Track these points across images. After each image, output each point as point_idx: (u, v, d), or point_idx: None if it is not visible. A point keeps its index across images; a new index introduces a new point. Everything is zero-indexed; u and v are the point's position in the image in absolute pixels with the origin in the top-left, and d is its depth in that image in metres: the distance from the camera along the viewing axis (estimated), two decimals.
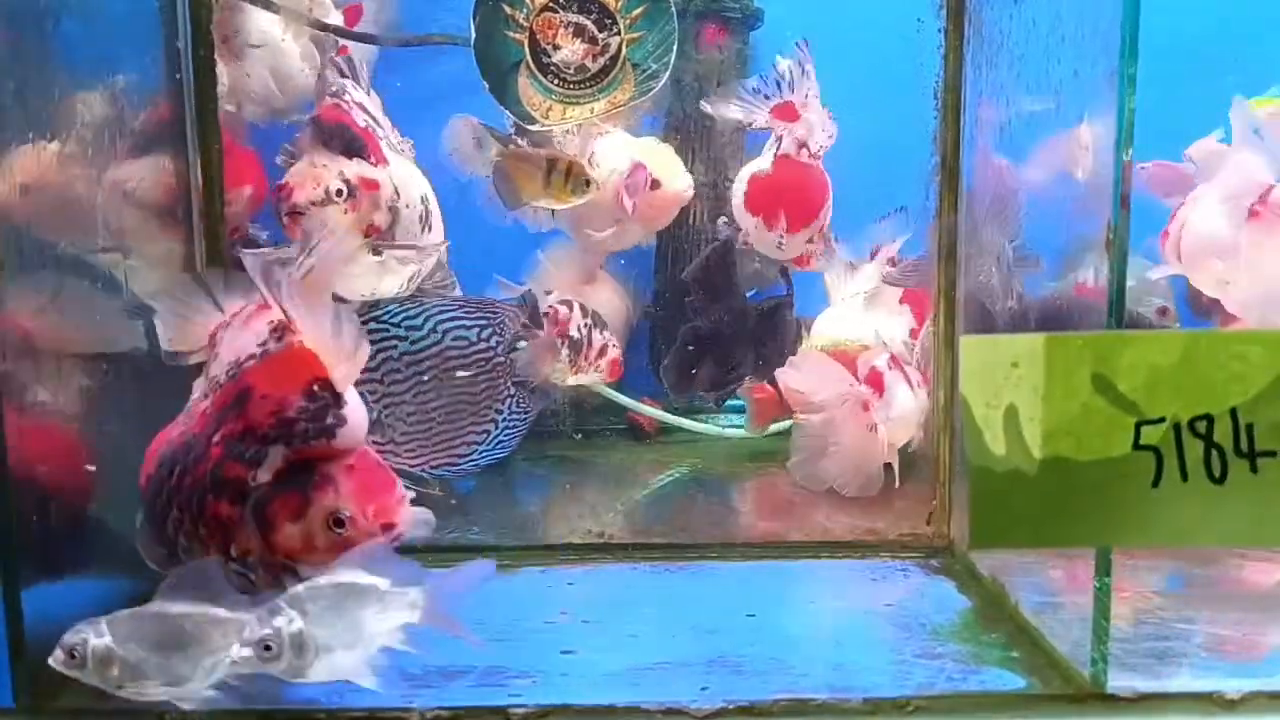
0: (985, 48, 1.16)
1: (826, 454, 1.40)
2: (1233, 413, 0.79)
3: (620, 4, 1.33)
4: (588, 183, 1.37)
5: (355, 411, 0.89)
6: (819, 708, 0.86)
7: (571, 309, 1.52)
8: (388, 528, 0.88)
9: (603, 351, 1.55)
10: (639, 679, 0.93)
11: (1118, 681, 0.86)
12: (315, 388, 0.88)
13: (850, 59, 1.60)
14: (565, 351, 1.50)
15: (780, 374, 1.45)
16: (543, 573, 1.23)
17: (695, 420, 1.73)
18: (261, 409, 0.88)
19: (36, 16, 0.94)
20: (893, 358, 1.38)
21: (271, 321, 0.92)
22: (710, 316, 1.56)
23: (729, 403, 1.71)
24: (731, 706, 0.86)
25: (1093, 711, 0.85)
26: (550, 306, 1.49)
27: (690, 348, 1.56)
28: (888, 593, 1.17)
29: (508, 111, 1.35)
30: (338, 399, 0.88)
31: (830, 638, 1.04)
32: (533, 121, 1.35)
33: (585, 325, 1.52)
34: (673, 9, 1.34)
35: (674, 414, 1.71)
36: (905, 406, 1.35)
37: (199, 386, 0.98)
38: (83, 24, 1.03)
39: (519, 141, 1.37)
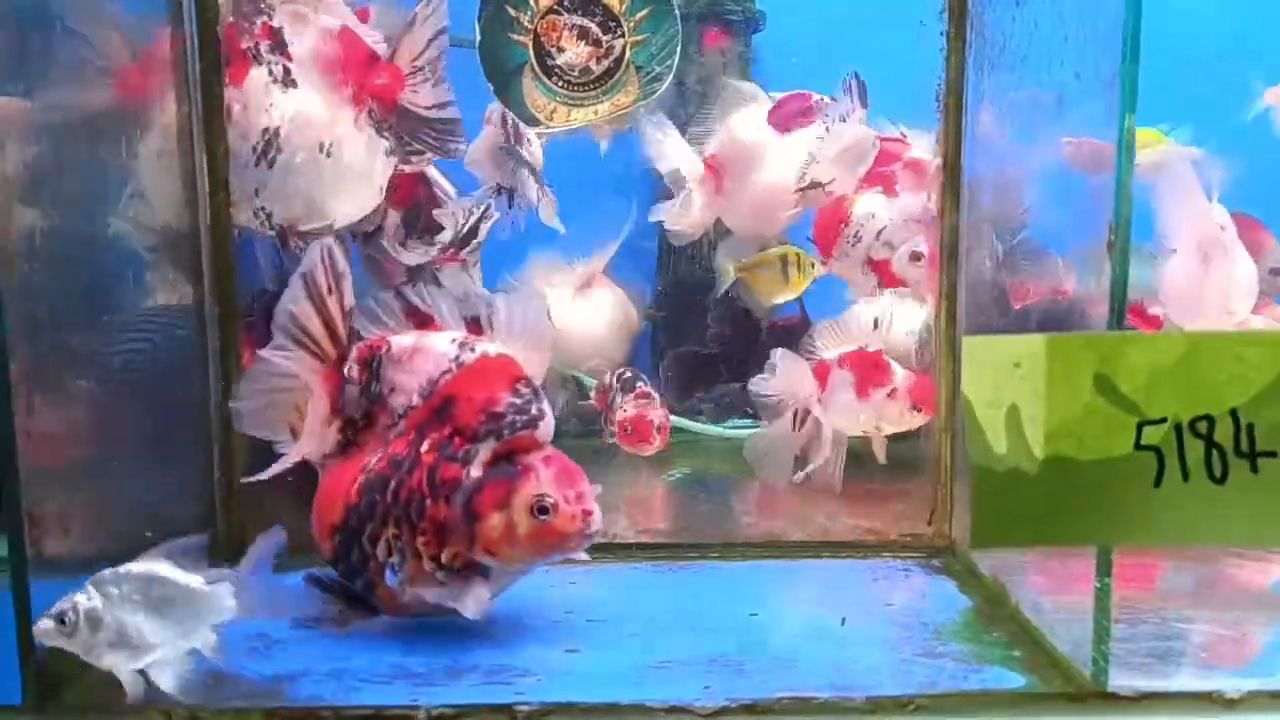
0: (987, 50, 1.17)
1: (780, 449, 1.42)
2: (1233, 413, 0.79)
3: (624, 7, 1.34)
4: (812, 264, 1.52)
5: (550, 410, 0.98)
6: (821, 706, 0.86)
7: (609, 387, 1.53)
8: (587, 514, 0.95)
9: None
10: (642, 677, 0.94)
11: (1119, 681, 0.87)
12: (520, 385, 0.97)
13: (852, 62, 1.61)
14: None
15: (753, 383, 1.46)
16: (546, 572, 1.23)
17: (697, 421, 1.74)
18: (470, 411, 0.97)
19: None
20: (857, 356, 1.39)
21: (455, 340, 1.00)
22: (722, 339, 1.59)
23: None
24: (734, 704, 0.86)
25: (1093, 710, 0.86)
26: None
27: (695, 366, 1.59)
28: (889, 592, 1.18)
29: (511, 113, 1.36)
30: (538, 394, 0.97)
31: (832, 637, 1.04)
32: (537, 124, 1.36)
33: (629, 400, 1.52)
34: (677, 12, 1.35)
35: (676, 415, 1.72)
36: (845, 404, 1.39)
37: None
38: None
39: None
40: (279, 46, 1.12)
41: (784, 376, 1.40)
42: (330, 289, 1.03)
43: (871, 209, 1.52)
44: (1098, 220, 0.86)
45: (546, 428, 0.97)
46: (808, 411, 1.40)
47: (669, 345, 1.79)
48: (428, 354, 1.00)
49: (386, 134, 1.17)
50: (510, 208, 1.40)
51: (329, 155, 1.14)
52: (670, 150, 1.45)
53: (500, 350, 1.00)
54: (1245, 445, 0.79)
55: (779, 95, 1.53)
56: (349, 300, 1.04)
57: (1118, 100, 0.83)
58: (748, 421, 1.72)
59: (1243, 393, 0.79)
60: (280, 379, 1.06)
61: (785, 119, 1.48)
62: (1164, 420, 0.79)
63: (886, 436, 1.46)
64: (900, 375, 1.42)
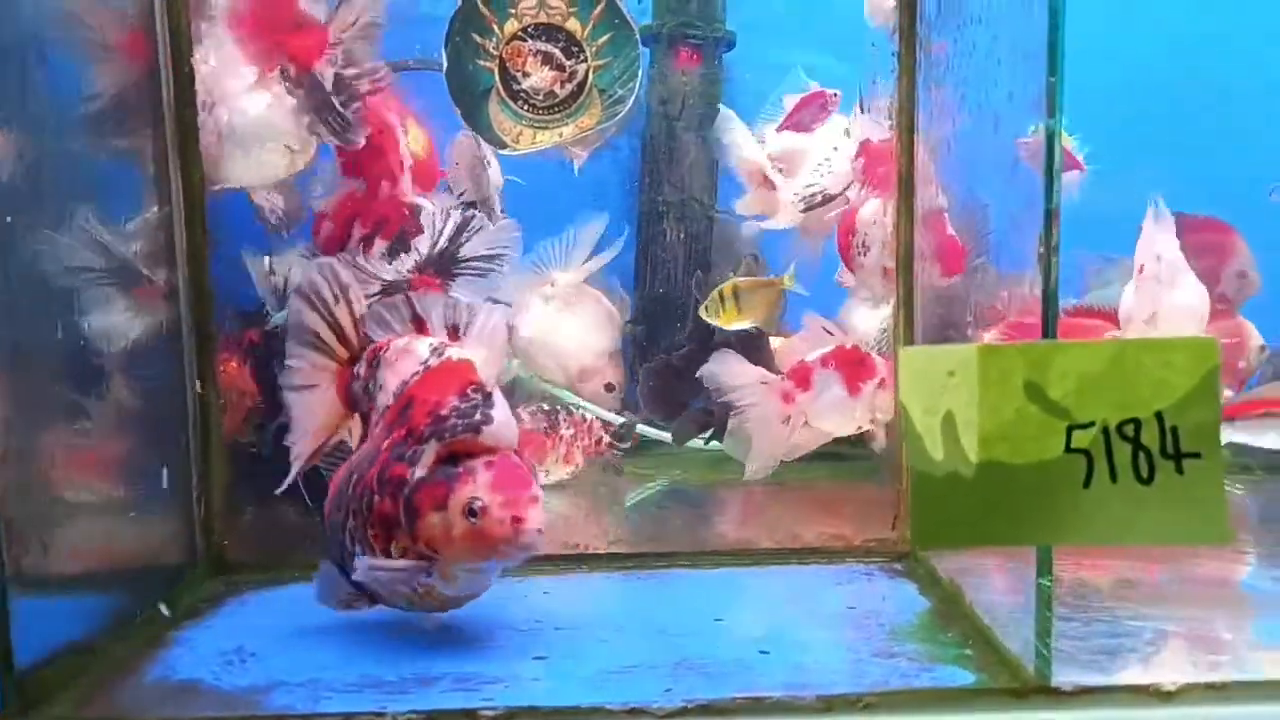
0: (934, 70, 1.21)
1: (741, 436, 1.47)
2: (1159, 416, 0.83)
3: (587, 33, 1.38)
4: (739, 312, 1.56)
5: (502, 414, 0.98)
6: (774, 705, 0.89)
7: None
8: (516, 521, 0.95)
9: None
10: (607, 682, 0.97)
11: (1063, 677, 0.90)
12: (470, 390, 0.98)
13: (814, 79, 1.66)
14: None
15: (702, 370, 1.50)
16: (519, 582, 1.27)
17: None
18: (420, 412, 0.99)
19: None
20: (838, 355, 1.43)
21: (433, 344, 1.05)
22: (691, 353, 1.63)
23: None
24: (692, 705, 0.89)
25: (1035, 705, 0.89)
26: None
27: (668, 380, 1.62)
28: (851, 596, 1.21)
29: (479, 137, 1.40)
30: (488, 398, 0.98)
31: (793, 640, 1.07)
32: (504, 146, 1.40)
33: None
34: (637, 36, 1.39)
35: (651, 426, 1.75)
36: (834, 402, 1.41)
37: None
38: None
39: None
40: None
41: (722, 371, 1.44)
42: (336, 299, 1.08)
43: (874, 215, 1.50)
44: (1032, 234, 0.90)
45: (494, 431, 0.97)
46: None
47: (646, 357, 1.83)
48: (409, 355, 1.05)
49: (299, 96, 1.18)
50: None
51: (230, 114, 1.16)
52: (740, 142, 1.52)
53: (464, 355, 1.03)
54: (1170, 447, 0.83)
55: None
56: (359, 308, 1.10)
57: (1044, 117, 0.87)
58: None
59: (1168, 396, 0.83)
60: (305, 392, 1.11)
61: (806, 119, 1.53)
62: (1093, 424, 0.83)
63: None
64: (882, 365, 1.45)
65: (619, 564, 1.33)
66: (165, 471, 1.23)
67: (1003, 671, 0.95)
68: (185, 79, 1.21)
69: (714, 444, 1.71)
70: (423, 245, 1.29)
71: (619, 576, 1.30)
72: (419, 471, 0.97)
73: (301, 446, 1.12)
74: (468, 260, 1.29)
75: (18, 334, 0.95)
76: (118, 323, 1.14)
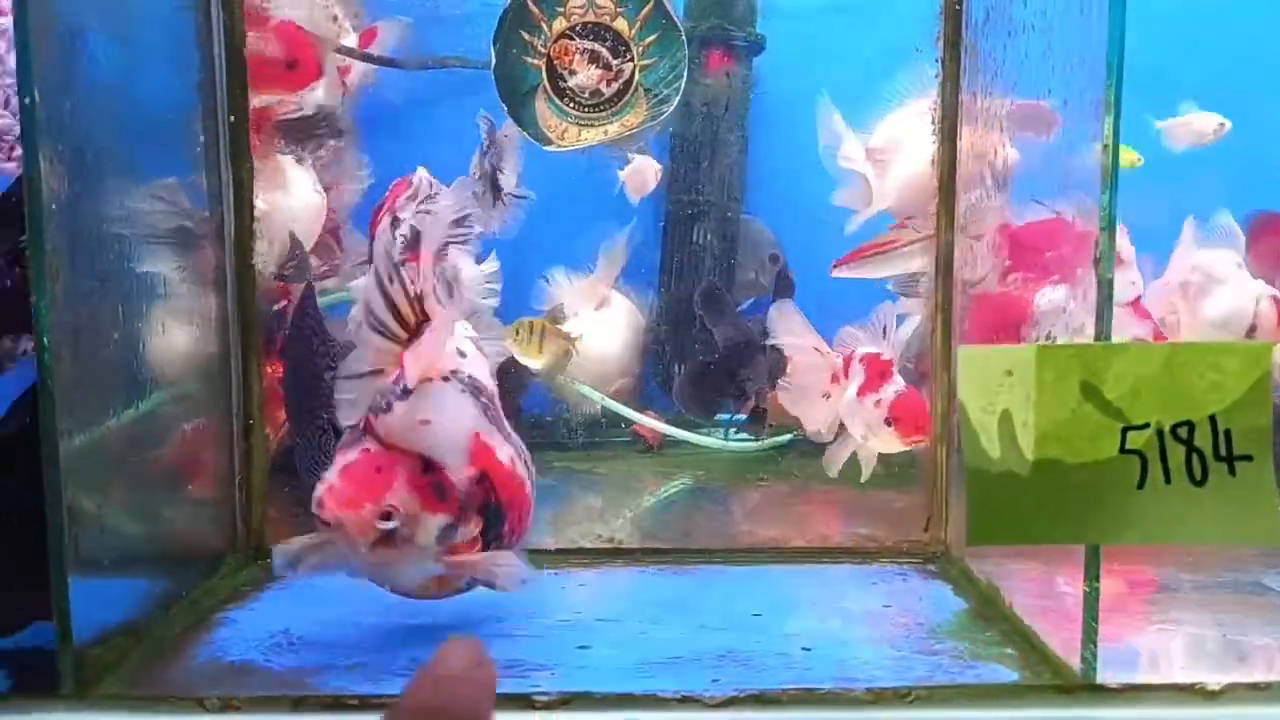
0: (981, 77, 1.23)
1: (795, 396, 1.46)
2: (1212, 419, 0.84)
3: (634, 32, 1.40)
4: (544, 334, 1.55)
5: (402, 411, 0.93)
6: (825, 697, 0.91)
7: None
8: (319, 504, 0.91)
9: None
10: (653, 671, 0.98)
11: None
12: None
13: (849, 86, 1.67)
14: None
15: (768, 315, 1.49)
16: (556, 575, 1.28)
17: (698, 434, 1.78)
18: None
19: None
20: (872, 359, 1.43)
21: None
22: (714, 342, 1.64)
23: (734, 416, 1.77)
24: (743, 695, 0.90)
25: (1081, 701, 0.90)
26: None
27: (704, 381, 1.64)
28: (886, 595, 1.22)
29: (525, 133, 1.41)
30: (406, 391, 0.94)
31: (833, 635, 1.08)
32: (549, 143, 1.42)
33: None
34: (683, 37, 1.41)
35: (677, 427, 1.76)
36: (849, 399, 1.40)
37: None
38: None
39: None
40: None
41: (783, 322, 1.44)
42: (390, 279, 0.99)
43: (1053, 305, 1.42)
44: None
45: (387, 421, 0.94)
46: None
47: (674, 358, 1.84)
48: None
49: None
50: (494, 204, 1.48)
51: None
52: (839, 131, 1.50)
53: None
54: (1223, 449, 0.84)
55: None
56: (413, 287, 0.99)
57: (1101, 125, 0.88)
58: (745, 435, 1.77)
59: (1221, 400, 0.84)
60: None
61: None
62: (1147, 426, 0.84)
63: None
64: (893, 388, 1.45)
65: (653, 559, 1.34)
66: (209, 458, 1.24)
67: (1045, 669, 0.97)
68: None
69: (735, 442, 1.73)
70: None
71: (653, 571, 1.31)
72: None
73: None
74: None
75: (80, 320, 0.96)
76: (171, 311, 1.15)
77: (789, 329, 1.46)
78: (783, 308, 1.45)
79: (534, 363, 1.55)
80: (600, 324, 1.70)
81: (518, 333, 1.53)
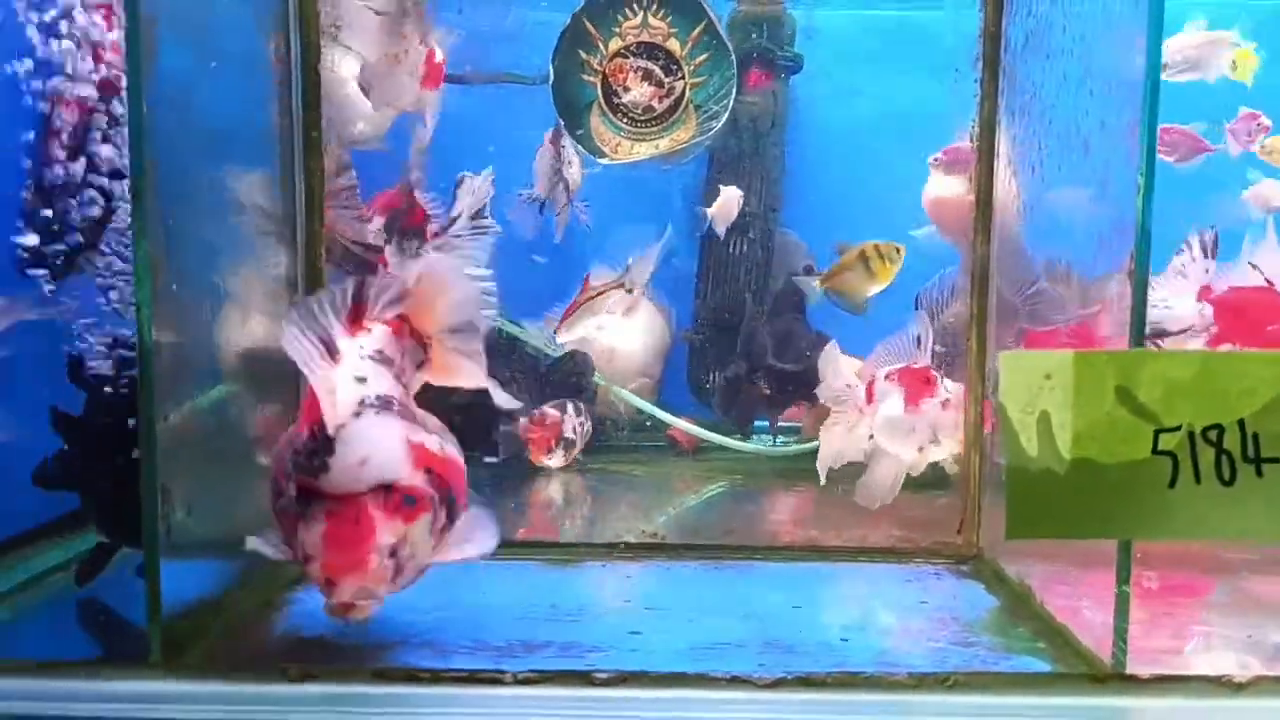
0: (1018, 97, 1.28)
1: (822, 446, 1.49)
2: (1241, 423, 0.89)
3: (686, 51, 1.47)
4: (896, 249, 1.56)
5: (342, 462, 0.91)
6: (868, 681, 0.96)
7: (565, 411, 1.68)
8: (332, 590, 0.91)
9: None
10: (701, 655, 1.03)
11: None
12: (316, 429, 0.92)
13: (888, 104, 1.73)
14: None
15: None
16: (603, 567, 1.34)
17: (733, 439, 1.84)
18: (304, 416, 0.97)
19: None
20: (905, 372, 1.47)
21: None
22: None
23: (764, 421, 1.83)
24: (790, 677, 0.95)
25: (1113, 690, 0.95)
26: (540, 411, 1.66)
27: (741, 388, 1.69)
28: (921, 591, 1.27)
29: (580, 146, 1.48)
30: (329, 444, 0.91)
31: (872, 626, 1.13)
32: (603, 156, 1.49)
33: (580, 424, 1.70)
34: (733, 56, 1.47)
35: (714, 432, 1.82)
36: (894, 415, 1.43)
37: None
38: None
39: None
40: None
41: (829, 364, 1.48)
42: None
43: None
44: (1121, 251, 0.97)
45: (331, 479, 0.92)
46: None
47: (711, 367, 1.90)
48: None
49: None
50: (540, 214, 1.56)
51: None
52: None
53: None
54: (1252, 452, 0.89)
55: None
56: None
57: (1138, 146, 0.94)
58: (781, 439, 1.83)
59: (1250, 405, 0.89)
60: None
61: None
62: (1179, 428, 0.89)
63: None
64: (949, 386, 1.48)
65: (695, 554, 1.39)
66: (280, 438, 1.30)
67: (1078, 663, 1.01)
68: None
69: (776, 445, 1.79)
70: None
71: (696, 565, 1.36)
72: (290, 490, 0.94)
73: None
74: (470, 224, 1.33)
75: (175, 310, 1.03)
76: (248, 308, 1.22)
77: (836, 372, 1.48)
78: (829, 352, 1.48)
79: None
80: (626, 328, 1.76)
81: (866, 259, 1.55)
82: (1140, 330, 0.95)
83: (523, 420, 1.65)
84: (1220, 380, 0.89)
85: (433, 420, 1.06)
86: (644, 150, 1.47)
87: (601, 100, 1.46)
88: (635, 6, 1.44)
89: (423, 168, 1.31)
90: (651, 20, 1.44)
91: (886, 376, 1.49)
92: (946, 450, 1.45)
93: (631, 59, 1.44)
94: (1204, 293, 1.42)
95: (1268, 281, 1.41)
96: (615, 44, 1.44)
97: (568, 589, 1.18)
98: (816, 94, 1.92)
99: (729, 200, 1.64)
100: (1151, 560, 1.17)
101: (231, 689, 0.95)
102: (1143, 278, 0.95)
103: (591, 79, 1.47)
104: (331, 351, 0.97)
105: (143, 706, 0.94)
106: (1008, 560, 1.29)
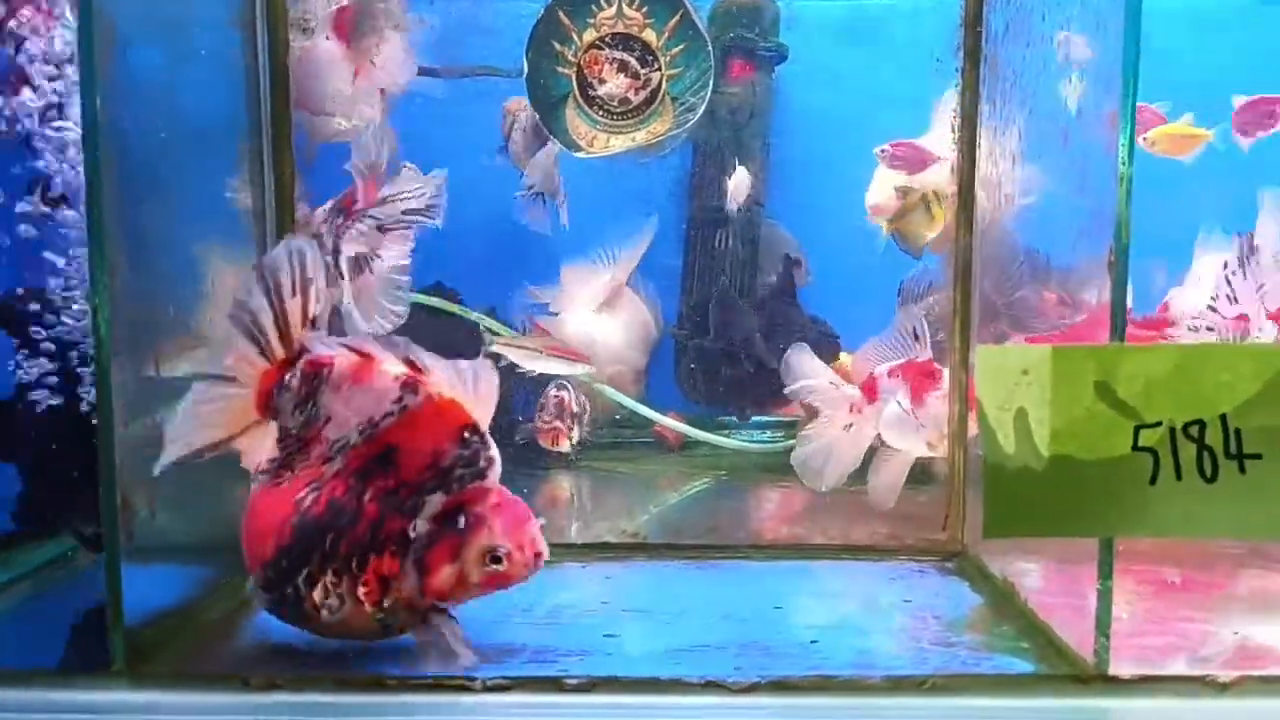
0: (999, 84, 1.26)
1: (810, 446, 1.45)
2: (1223, 419, 0.87)
3: (661, 42, 1.44)
4: (940, 199, 1.49)
5: (497, 451, 0.96)
6: (844, 684, 0.94)
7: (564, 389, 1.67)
8: (538, 556, 0.97)
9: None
10: (677, 658, 1.01)
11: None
12: (466, 434, 0.94)
13: (869, 93, 1.71)
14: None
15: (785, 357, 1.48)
16: (582, 568, 1.32)
17: (719, 435, 1.81)
18: (415, 463, 0.94)
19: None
20: (908, 366, 1.44)
21: (399, 378, 0.95)
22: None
23: (754, 418, 1.81)
24: (765, 681, 0.94)
25: (1095, 692, 0.93)
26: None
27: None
28: (905, 590, 1.25)
29: (555, 140, 1.46)
30: (486, 441, 0.95)
31: (853, 627, 1.11)
32: (579, 149, 1.46)
33: (577, 398, 1.68)
34: (709, 47, 1.45)
35: (698, 428, 1.80)
36: (900, 413, 1.39)
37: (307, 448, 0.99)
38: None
39: None
40: None
41: (797, 363, 1.44)
42: (294, 291, 0.98)
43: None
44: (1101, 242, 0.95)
45: (495, 473, 0.96)
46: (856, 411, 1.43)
47: (694, 362, 1.88)
48: (368, 391, 0.96)
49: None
50: (544, 207, 1.55)
51: None
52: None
53: (444, 391, 0.95)
54: (1234, 448, 0.87)
55: None
56: (314, 308, 0.99)
57: (1117, 133, 0.91)
58: (767, 435, 1.81)
59: (1232, 400, 0.87)
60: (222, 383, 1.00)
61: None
62: (1159, 424, 0.87)
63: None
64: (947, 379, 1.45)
65: (676, 553, 1.37)
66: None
67: (1061, 662, 0.99)
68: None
69: (758, 443, 1.77)
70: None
71: (676, 565, 1.35)
72: (423, 525, 0.94)
73: (198, 438, 1.00)
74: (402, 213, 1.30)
75: (134, 316, 1.00)
76: (218, 308, 1.19)
77: (803, 373, 1.45)
78: (794, 352, 1.45)
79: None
80: (606, 318, 1.73)
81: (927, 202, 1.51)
82: (1121, 324, 0.92)
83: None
84: (1200, 374, 0.87)
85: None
86: (620, 143, 1.45)
87: (576, 93, 1.43)
88: None
89: (378, 154, 1.29)
90: (627, 11, 1.41)
91: (889, 373, 1.45)
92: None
93: (607, 50, 1.41)
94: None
95: None
96: (590, 35, 1.41)
97: (545, 592, 1.15)
98: (800, 84, 1.89)
99: (739, 184, 1.68)
100: (1133, 556, 1.16)
101: (195, 698, 0.93)
102: (1123, 270, 0.93)
103: (566, 71, 1.44)
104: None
105: (105, 718, 0.92)
106: (992, 556, 1.27)
